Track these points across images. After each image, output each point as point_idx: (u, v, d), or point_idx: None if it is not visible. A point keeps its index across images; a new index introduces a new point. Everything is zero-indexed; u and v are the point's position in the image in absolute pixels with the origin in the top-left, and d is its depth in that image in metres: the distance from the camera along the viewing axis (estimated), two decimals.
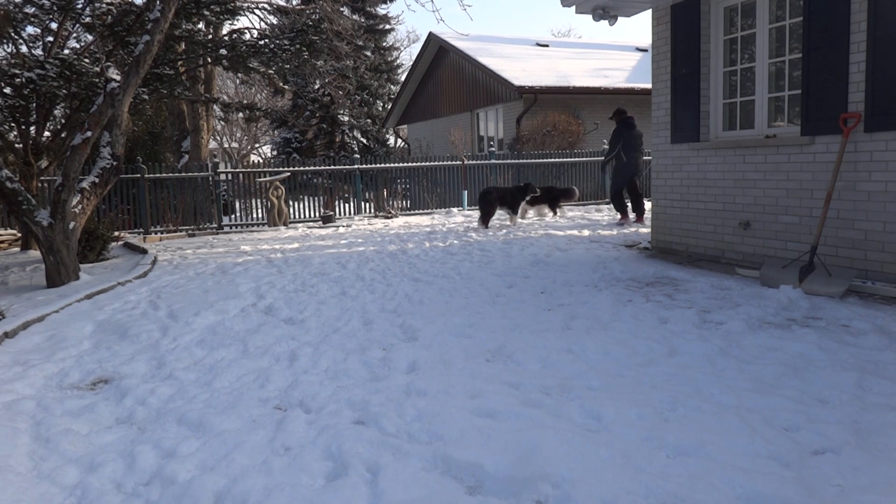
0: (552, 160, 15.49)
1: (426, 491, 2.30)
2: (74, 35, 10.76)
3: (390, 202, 15.25)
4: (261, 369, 3.74)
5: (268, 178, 13.16)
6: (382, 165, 14.99)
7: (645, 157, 11.32)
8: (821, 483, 2.25)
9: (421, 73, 23.88)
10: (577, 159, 15.78)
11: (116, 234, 10.51)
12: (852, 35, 5.20)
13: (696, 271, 6.29)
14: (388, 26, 31.27)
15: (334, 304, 5.42)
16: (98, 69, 8.38)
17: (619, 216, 11.09)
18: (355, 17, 28.37)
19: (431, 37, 22.00)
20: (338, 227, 12.34)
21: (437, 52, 22.51)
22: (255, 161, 26.50)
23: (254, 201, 14.31)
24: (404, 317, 4.82)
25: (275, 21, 17.77)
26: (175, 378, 3.69)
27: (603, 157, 13.04)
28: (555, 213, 12.19)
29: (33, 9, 9.11)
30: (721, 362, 3.54)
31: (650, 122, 7.70)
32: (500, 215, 11.61)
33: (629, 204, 11.10)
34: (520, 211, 11.36)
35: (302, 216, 14.27)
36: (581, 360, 3.64)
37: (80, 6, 9.47)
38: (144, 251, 9.27)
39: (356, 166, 14.42)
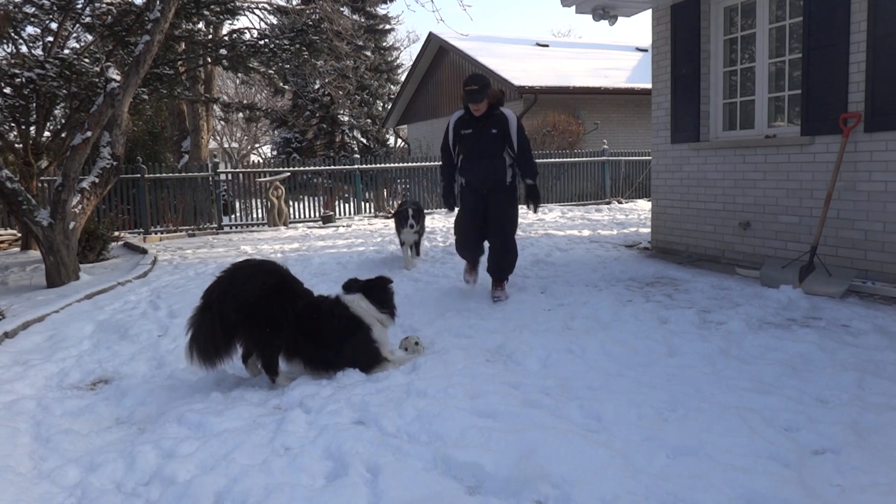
0: (552, 160, 15.49)
1: (426, 491, 2.29)
2: (74, 35, 10.77)
3: (390, 202, 15.24)
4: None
5: (268, 178, 13.15)
6: (382, 165, 14.99)
7: (644, 158, 10.99)
8: (821, 483, 2.25)
9: (421, 73, 23.86)
10: (576, 159, 15.77)
11: (116, 234, 10.51)
12: (852, 35, 5.20)
13: (696, 271, 6.28)
14: (388, 26, 31.24)
15: None
16: (98, 69, 8.39)
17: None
18: (355, 17, 28.32)
19: (431, 37, 22.00)
20: (338, 227, 12.34)
21: (437, 52, 22.50)
22: (255, 161, 26.52)
23: (254, 201, 14.31)
24: (404, 317, 4.80)
25: (275, 21, 17.74)
26: (175, 378, 3.68)
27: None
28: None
29: (33, 9, 9.11)
30: (721, 362, 3.54)
31: (650, 122, 7.70)
32: None
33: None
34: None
35: (302, 216, 14.27)
36: (581, 360, 3.64)
37: (80, 6, 9.48)
38: (144, 251, 9.27)
39: (356, 166, 14.41)
